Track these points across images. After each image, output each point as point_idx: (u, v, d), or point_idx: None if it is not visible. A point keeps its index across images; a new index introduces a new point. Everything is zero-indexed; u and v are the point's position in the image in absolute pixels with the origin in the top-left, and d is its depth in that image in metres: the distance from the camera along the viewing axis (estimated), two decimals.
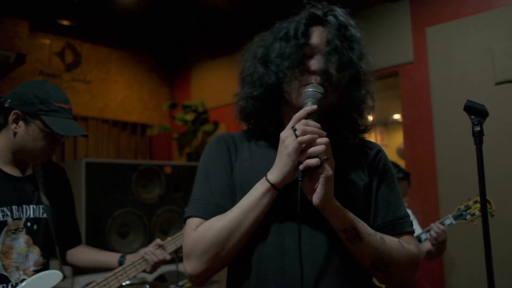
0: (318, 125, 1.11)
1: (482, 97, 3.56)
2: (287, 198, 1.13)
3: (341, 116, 1.24)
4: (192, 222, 1.18)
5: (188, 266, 1.15)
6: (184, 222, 1.22)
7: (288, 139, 1.08)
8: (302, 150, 1.07)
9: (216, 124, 5.59)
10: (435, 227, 2.66)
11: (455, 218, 2.67)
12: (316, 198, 1.07)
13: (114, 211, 4.03)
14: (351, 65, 1.17)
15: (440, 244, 2.68)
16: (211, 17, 5.50)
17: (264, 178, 1.12)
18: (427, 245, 2.78)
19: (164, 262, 2.23)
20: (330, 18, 1.20)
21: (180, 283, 3.01)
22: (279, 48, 1.20)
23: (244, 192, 1.17)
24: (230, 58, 6.06)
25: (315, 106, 1.11)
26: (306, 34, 1.19)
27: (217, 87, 5.66)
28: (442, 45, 3.82)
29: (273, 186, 1.10)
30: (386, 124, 7.25)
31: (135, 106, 6.13)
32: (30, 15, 4.84)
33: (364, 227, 1.14)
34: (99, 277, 2.12)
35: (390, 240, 1.17)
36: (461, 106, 1.21)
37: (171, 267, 3.81)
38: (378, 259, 1.13)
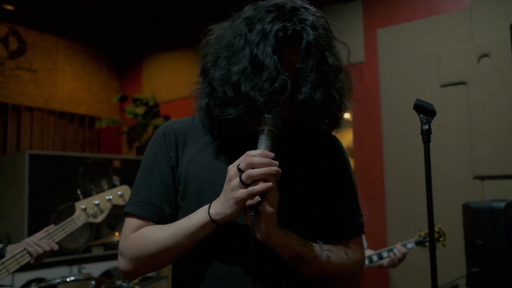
0: (271, 155, 1.03)
1: (427, 99, 3.70)
2: (230, 230, 1.11)
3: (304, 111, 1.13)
4: (130, 222, 1.20)
5: (121, 263, 1.20)
6: (125, 215, 1.24)
7: (234, 181, 1.02)
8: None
9: (167, 118, 5.51)
10: (400, 248, 2.81)
11: (417, 243, 2.85)
12: (258, 233, 1.05)
13: (59, 205, 3.90)
14: (321, 85, 1.11)
15: (397, 264, 2.84)
16: (164, 10, 5.41)
17: (206, 207, 1.08)
18: (381, 261, 2.89)
19: (51, 252, 2.02)
20: (304, 35, 1.11)
21: None
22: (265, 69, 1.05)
23: (186, 187, 1.17)
24: (183, 51, 5.97)
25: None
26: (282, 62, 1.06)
27: (169, 81, 5.58)
28: (391, 46, 3.92)
29: (213, 221, 1.07)
30: None
31: (84, 98, 5.95)
32: None
33: (309, 251, 1.12)
34: (43, 274, 2.02)
35: (337, 256, 1.17)
36: (408, 106, 1.24)
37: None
38: (323, 275, 1.15)
